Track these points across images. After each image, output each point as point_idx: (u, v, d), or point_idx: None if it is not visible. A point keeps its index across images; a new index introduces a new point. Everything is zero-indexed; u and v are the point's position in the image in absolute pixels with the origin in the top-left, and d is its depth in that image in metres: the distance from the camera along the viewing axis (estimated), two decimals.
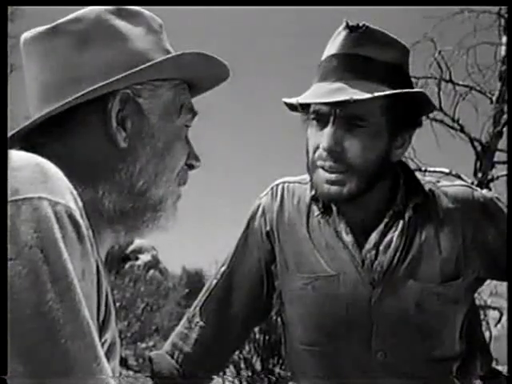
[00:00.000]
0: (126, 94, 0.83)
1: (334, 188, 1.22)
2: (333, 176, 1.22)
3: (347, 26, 1.23)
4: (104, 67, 0.82)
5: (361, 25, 1.23)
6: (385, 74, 1.21)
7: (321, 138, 1.22)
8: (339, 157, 1.21)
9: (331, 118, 1.21)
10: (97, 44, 0.83)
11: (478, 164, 7.20)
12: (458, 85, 7.42)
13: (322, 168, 1.23)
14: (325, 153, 1.22)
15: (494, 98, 7.23)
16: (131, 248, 11.62)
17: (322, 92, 1.21)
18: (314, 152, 1.25)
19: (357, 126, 1.20)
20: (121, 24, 0.85)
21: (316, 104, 1.24)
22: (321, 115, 1.23)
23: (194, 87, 0.94)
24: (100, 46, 0.83)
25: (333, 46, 1.25)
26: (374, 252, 1.28)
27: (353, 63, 1.21)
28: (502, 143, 7.19)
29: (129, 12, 0.88)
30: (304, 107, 1.29)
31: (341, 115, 1.20)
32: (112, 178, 0.83)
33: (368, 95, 1.16)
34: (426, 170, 7.12)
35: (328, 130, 1.21)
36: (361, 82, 1.19)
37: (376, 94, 1.17)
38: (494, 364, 1.42)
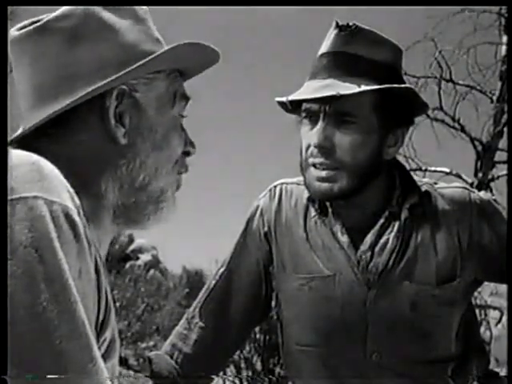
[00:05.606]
0: (122, 89, 0.82)
1: (324, 185, 1.23)
2: (323, 173, 1.22)
3: (337, 26, 1.24)
4: (98, 63, 0.82)
5: (350, 24, 1.23)
6: (374, 72, 1.22)
7: (312, 136, 1.23)
8: (329, 153, 1.21)
9: (321, 115, 1.22)
10: (88, 39, 0.82)
11: (479, 164, 7.17)
12: (459, 84, 7.40)
13: (314, 166, 1.24)
14: (315, 149, 1.22)
15: (494, 98, 7.20)
16: (131, 248, 11.62)
17: (311, 89, 1.22)
18: (307, 151, 1.25)
19: (346, 122, 1.21)
20: (109, 16, 0.84)
21: (307, 102, 1.25)
22: (312, 113, 1.24)
23: (184, 73, 0.94)
24: (91, 42, 0.82)
25: (324, 46, 1.26)
26: (369, 253, 1.28)
27: (342, 61, 1.22)
28: (503, 143, 7.17)
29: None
30: (296, 107, 1.29)
31: (330, 111, 1.21)
32: (114, 174, 0.83)
33: (355, 90, 1.17)
34: (426, 170, 7.10)
35: (318, 126, 1.22)
36: (349, 79, 1.20)
37: (362, 88, 1.17)
38: (493, 364, 1.41)
